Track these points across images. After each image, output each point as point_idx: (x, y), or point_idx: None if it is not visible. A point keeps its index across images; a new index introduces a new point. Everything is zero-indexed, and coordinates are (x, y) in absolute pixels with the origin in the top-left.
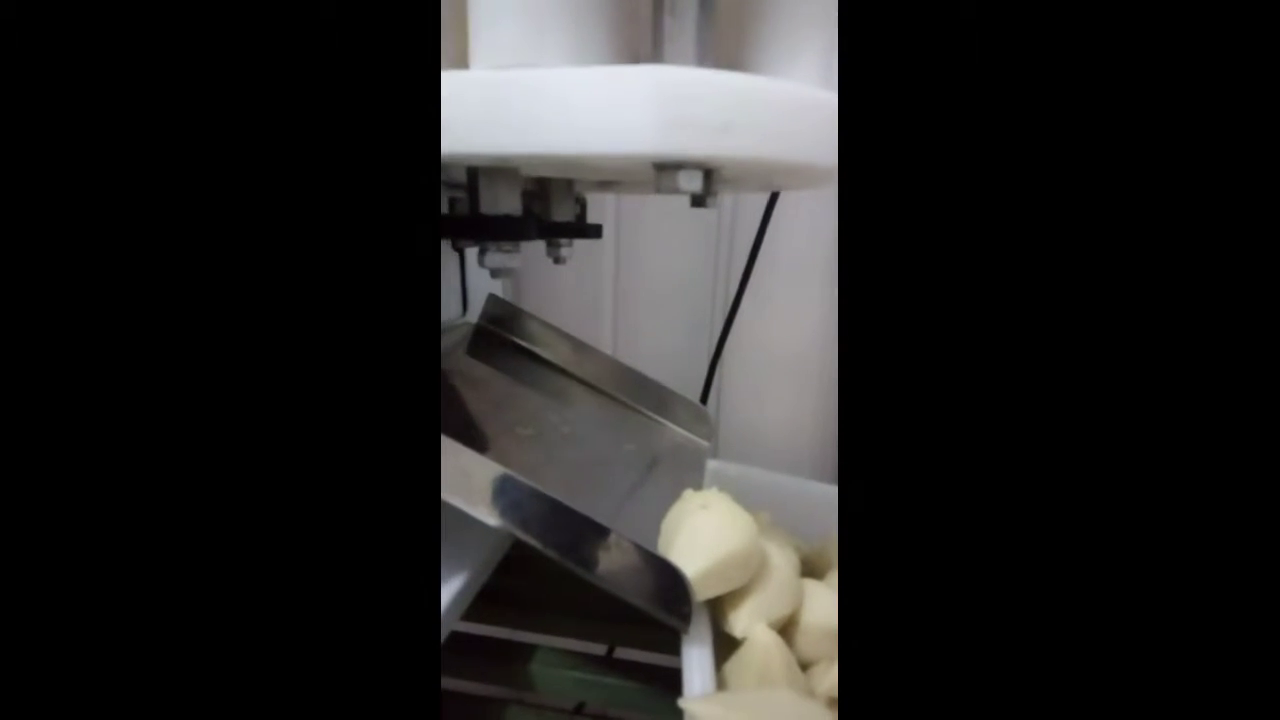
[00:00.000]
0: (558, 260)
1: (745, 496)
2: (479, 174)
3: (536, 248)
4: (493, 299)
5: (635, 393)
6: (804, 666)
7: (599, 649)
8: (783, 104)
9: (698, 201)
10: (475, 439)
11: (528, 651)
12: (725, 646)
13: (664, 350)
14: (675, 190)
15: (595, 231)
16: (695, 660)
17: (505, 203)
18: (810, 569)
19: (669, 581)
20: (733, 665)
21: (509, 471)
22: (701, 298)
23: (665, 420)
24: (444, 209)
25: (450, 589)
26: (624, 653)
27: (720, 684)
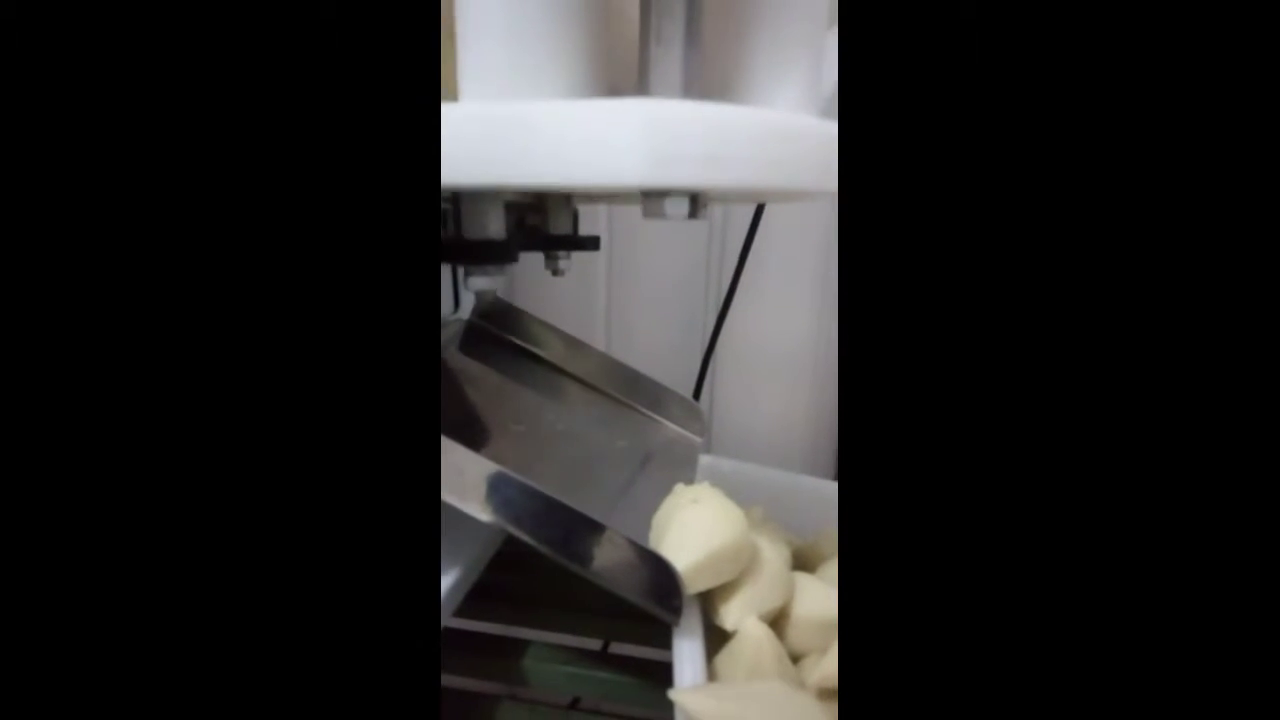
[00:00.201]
0: (556, 272)
1: (737, 491)
2: (461, 198)
3: (532, 255)
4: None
5: (628, 389)
6: (795, 659)
7: (593, 644)
8: (769, 133)
9: (689, 214)
10: (468, 435)
11: (521, 647)
12: (717, 639)
13: (657, 346)
14: (662, 215)
15: (593, 244)
16: (686, 653)
17: (489, 227)
18: (802, 562)
19: (660, 575)
20: (724, 658)
21: (502, 468)
22: (694, 294)
23: (658, 416)
24: None
25: (443, 585)
26: (618, 647)
27: (712, 676)
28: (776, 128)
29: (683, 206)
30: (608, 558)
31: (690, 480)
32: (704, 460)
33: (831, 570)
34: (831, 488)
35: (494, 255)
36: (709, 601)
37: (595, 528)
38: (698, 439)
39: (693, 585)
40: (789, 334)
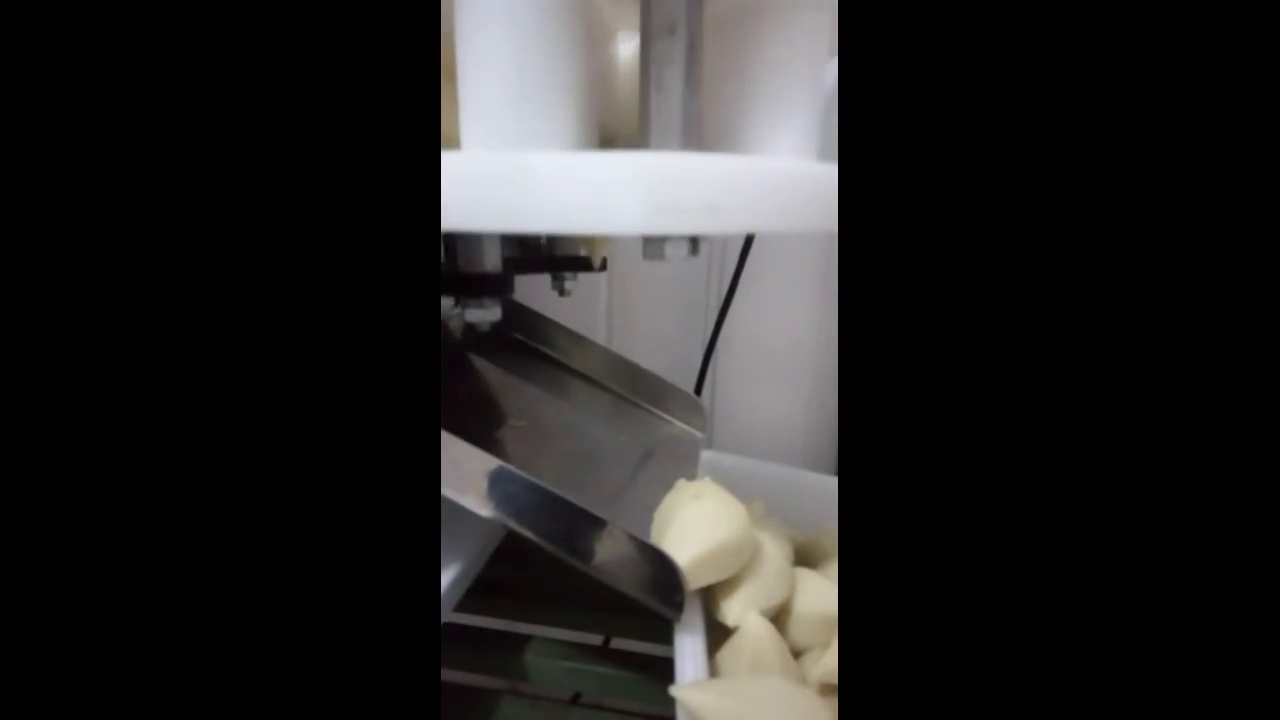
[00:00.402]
0: (562, 293)
1: (739, 487)
2: (457, 234)
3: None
4: None
5: (630, 384)
6: (796, 654)
7: (594, 639)
8: (766, 182)
9: (689, 253)
10: (468, 430)
11: (522, 642)
12: (718, 635)
13: (658, 341)
14: (661, 257)
15: (601, 264)
16: (688, 648)
17: (485, 261)
18: (804, 558)
19: (662, 570)
20: (726, 653)
21: (503, 463)
22: (696, 289)
23: (660, 412)
24: None
25: (444, 580)
26: (620, 643)
27: (713, 672)
28: (772, 176)
29: (682, 249)
30: (609, 553)
31: (692, 476)
32: (706, 455)
33: (833, 566)
34: (833, 483)
35: (490, 289)
36: (710, 597)
37: (597, 523)
38: (699, 434)
39: (694, 580)
40: (790, 329)
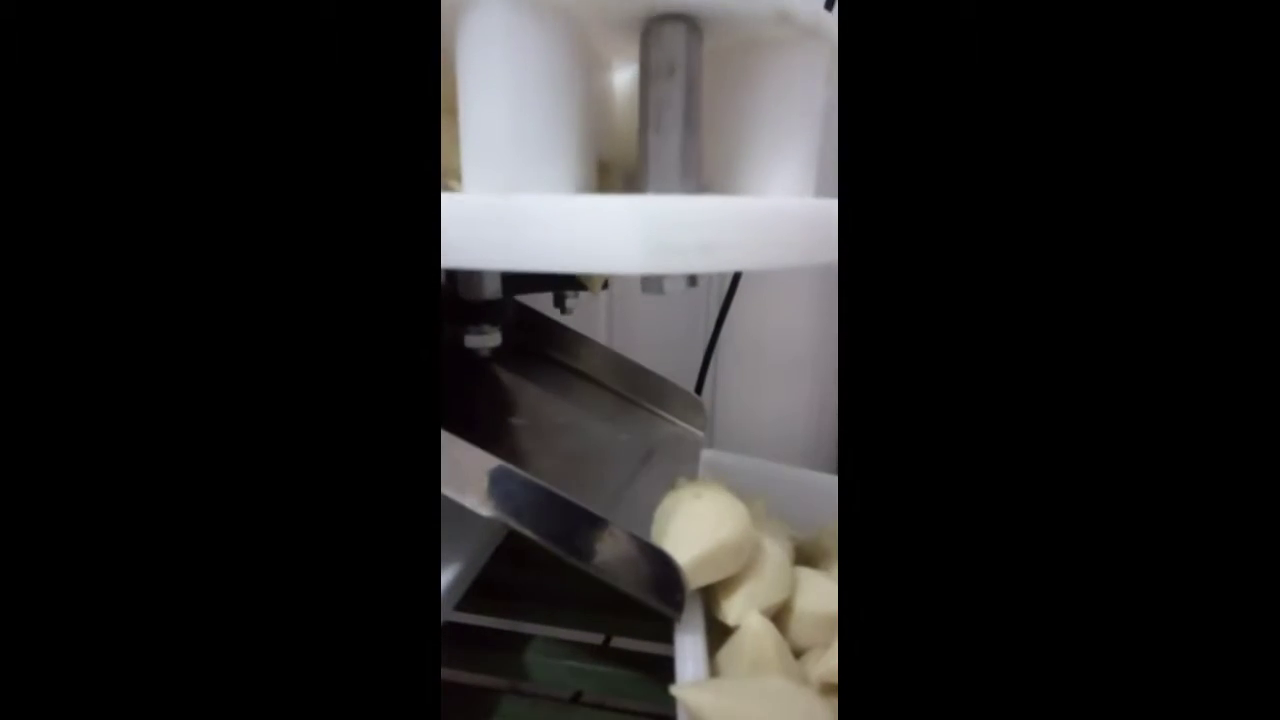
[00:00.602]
0: (564, 311)
1: (740, 486)
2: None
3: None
4: None
5: (630, 383)
6: (797, 654)
7: (595, 639)
8: (762, 221)
9: (687, 286)
10: (468, 429)
11: (523, 641)
12: (719, 635)
13: (659, 341)
14: (660, 292)
15: (602, 283)
16: (688, 648)
17: (485, 289)
18: (805, 557)
19: (662, 570)
20: (726, 653)
21: (503, 462)
22: (698, 285)
23: (660, 411)
24: None
25: (444, 579)
26: (621, 642)
27: (714, 671)
28: (769, 215)
29: (680, 283)
30: (609, 552)
31: (693, 475)
32: (706, 455)
33: (834, 565)
34: (834, 482)
35: (489, 316)
36: (711, 596)
37: (597, 522)
38: (700, 433)
39: (695, 580)
40: (791, 328)
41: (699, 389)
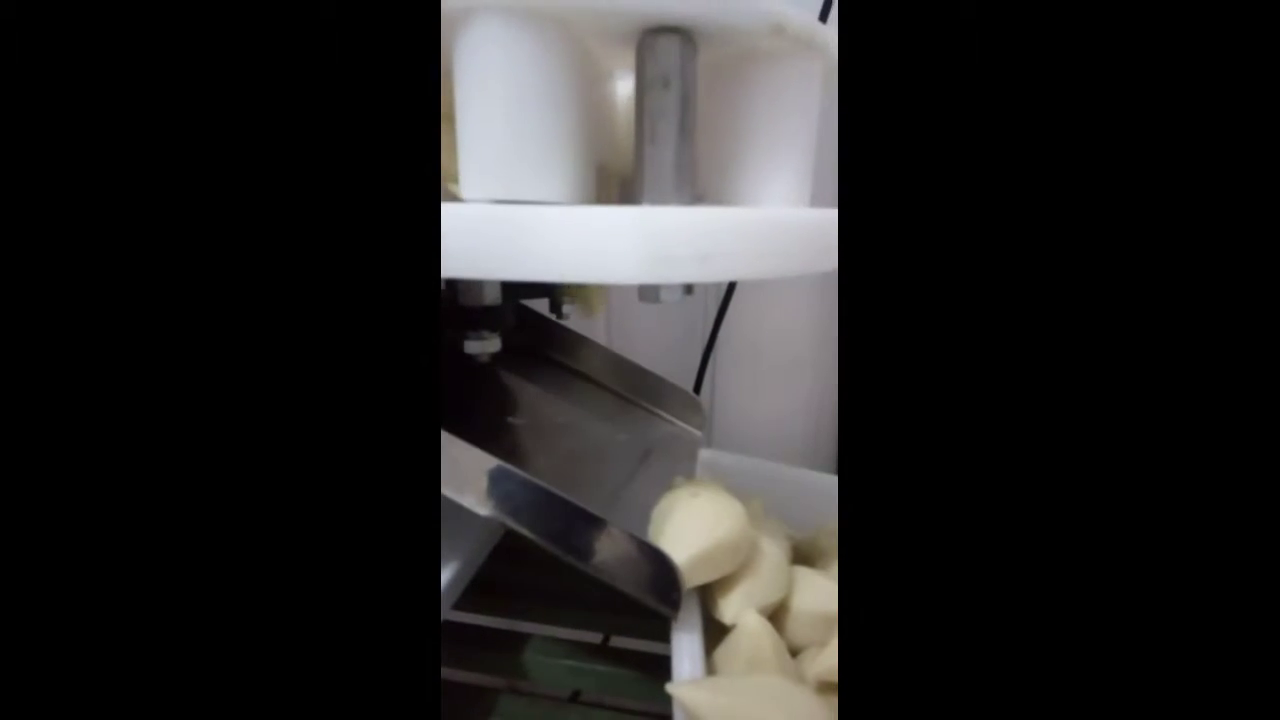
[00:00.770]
0: (561, 317)
1: (737, 485)
2: None
3: None
4: None
5: (628, 383)
6: (794, 652)
7: (593, 638)
8: (757, 232)
9: (684, 294)
10: (466, 428)
11: (521, 640)
12: (716, 633)
13: (657, 341)
14: (656, 300)
15: (604, 304)
16: (685, 646)
17: (485, 295)
18: (802, 556)
19: (659, 568)
20: (723, 651)
21: (501, 461)
22: (695, 287)
23: (659, 410)
24: None
25: (443, 578)
26: (619, 641)
27: (711, 670)
28: (763, 225)
29: (676, 292)
30: (607, 551)
31: (690, 474)
32: (704, 454)
33: (831, 564)
34: (831, 482)
35: (489, 322)
36: (708, 595)
37: (594, 521)
38: (698, 433)
39: (691, 579)
40: (790, 328)
41: (697, 389)
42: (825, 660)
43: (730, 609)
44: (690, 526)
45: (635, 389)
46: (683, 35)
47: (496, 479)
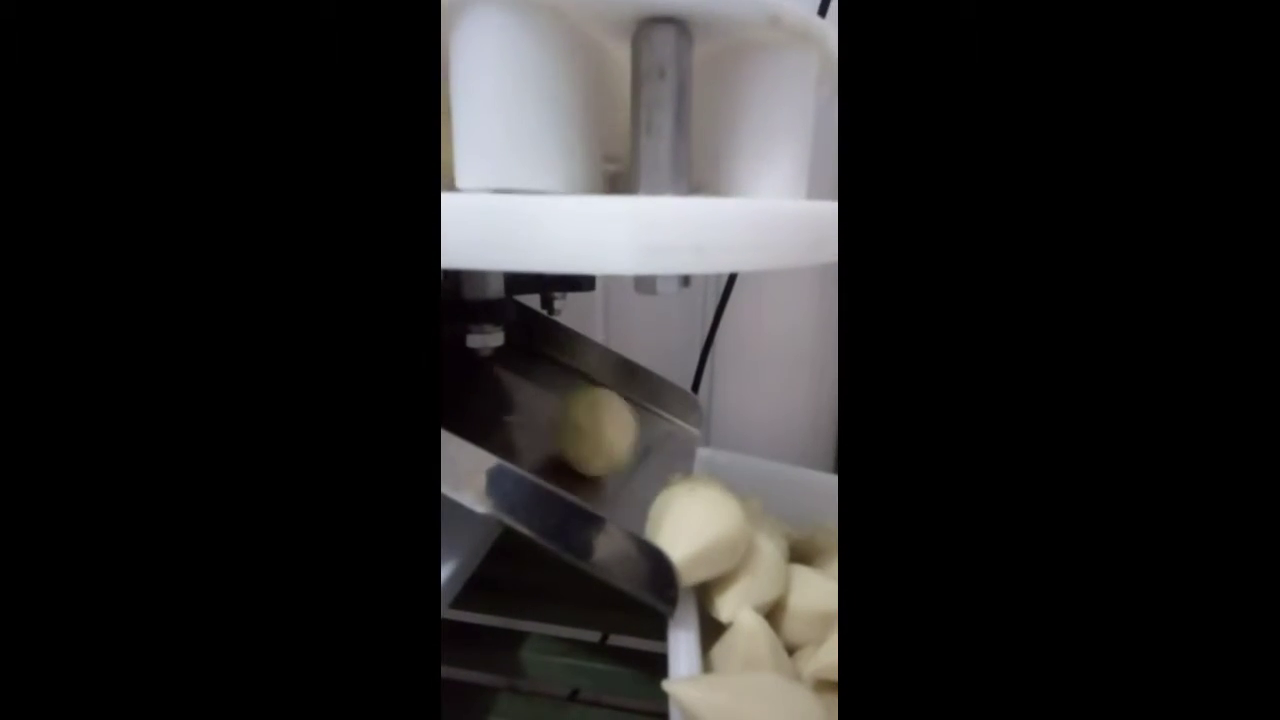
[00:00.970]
0: (552, 312)
1: (735, 484)
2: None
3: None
4: None
5: (626, 381)
6: (791, 651)
7: (591, 636)
8: (754, 223)
9: (681, 286)
10: (463, 426)
11: (519, 639)
12: (713, 631)
13: (655, 339)
14: (653, 292)
15: (589, 284)
16: (681, 644)
17: (488, 288)
18: (800, 555)
19: (655, 566)
20: (719, 649)
21: (498, 459)
22: (693, 285)
23: (656, 409)
24: None
25: (440, 577)
26: (618, 639)
27: (708, 668)
28: (760, 216)
29: (673, 284)
30: (604, 549)
31: (688, 472)
32: (702, 453)
33: (829, 562)
34: (829, 480)
35: (492, 315)
36: (705, 593)
37: (592, 519)
38: (696, 431)
39: (688, 577)
40: (788, 327)
41: (695, 387)
42: (822, 658)
43: (727, 607)
44: (687, 524)
45: (633, 387)
46: (678, 25)
47: (495, 477)
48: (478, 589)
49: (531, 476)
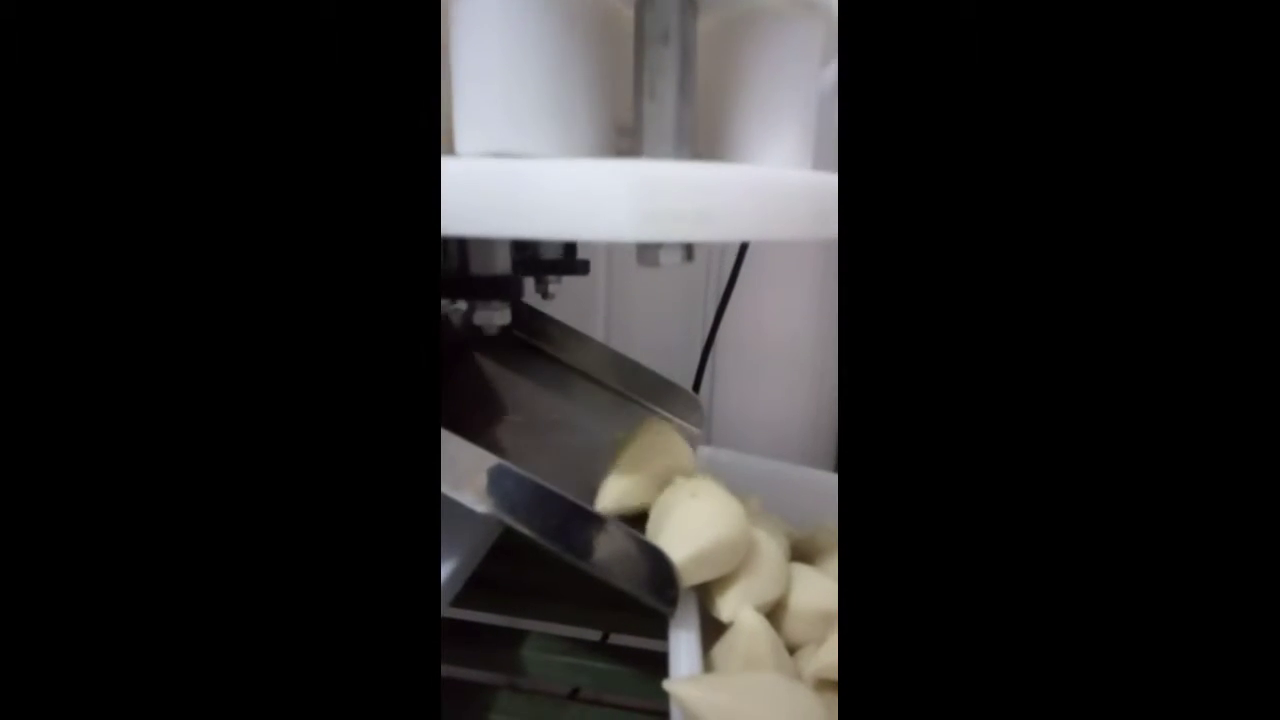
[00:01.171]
0: (546, 296)
1: (736, 483)
2: (468, 240)
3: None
4: None
5: (627, 380)
6: (791, 650)
7: (592, 635)
8: (757, 190)
9: (684, 259)
10: (464, 425)
11: (520, 637)
12: (714, 630)
13: (656, 338)
14: (656, 264)
15: (583, 268)
16: (682, 644)
17: (495, 263)
18: (800, 554)
19: (657, 566)
20: (720, 649)
21: (499, 459)
22: (694, 285)
23: (657, 408)
24: None
25: (441, 575)
26: (618, 638)
27: (708, 667)
28: (764, 184)
29: (676, 255)
30: (605, 549)
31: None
32: (703, 452)
33: (829, 562)
34: (830, 480)
35: (500, 291)
36: (706, 593)
37: (593, 519)
38: (697, 430)
39: (689, 577)
40: (789, 326)
41: (696, 386)
42: (823, 658)
43: (728, 606)
44: (689, 525)
45: (634, 386)
46: None
47: (495, 476)
48: (478, 587)
49: (532, 476)
